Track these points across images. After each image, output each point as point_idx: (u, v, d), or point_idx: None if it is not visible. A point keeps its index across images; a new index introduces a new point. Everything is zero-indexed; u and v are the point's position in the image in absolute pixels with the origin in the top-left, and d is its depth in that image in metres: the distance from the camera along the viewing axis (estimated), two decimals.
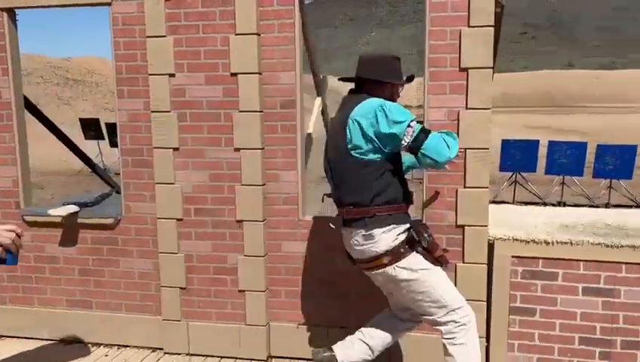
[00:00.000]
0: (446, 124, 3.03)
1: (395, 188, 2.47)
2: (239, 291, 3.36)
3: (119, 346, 3.59)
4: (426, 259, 2.49)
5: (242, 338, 3.39)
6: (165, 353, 3.50)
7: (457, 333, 2.53)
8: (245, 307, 3.35)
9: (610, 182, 8.51)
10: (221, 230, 3.33)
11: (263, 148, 3.23)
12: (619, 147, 8.17)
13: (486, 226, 3.08)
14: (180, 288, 3.42)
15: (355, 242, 2.50)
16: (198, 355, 3.45)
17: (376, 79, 2.52)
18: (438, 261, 2.51)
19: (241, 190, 3.26)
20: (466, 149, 3.03)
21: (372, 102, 2.41)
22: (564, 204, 8.38)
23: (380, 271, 2.51)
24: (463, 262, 3.11)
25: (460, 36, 2.96)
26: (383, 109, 2.35)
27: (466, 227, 3.09)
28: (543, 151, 8.75)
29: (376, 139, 2.37)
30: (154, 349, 3.54)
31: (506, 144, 8.72)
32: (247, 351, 3.39)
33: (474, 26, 2.93)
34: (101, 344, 3.62)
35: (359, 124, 2.38)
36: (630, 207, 7.53)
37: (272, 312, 3.38)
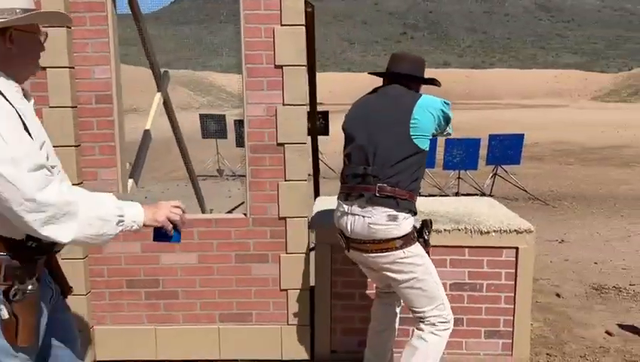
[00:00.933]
0: (265, 120, 3.11)
1: (420, 180, 2.63)
2: None
3: None
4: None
5: None
6: None
7: (438, 326, 2.59)
8: None
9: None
10: None
11: (78, 146, 3.11)
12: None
13: (306, 217, 3.20)
14: None
15: (376, 220, 2.48)
16: None
17: (420, 77, 2.71)
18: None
19: None
20: (284, 144, 3.13)
21: (435, 98, 2.62)
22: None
23: (388, 253, 2.51)
24: (286, 253, 3.21)
25: (273, 34, 3.04)
26: (447, 105, 2.63)
27: (287, 219, 3.18)
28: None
29: (435, 131, 2.62)
30: None
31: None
32: None
33: (286, 25, 3.02)
34: None
35: (431, 114, 2.56)
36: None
37: (95, 315, 3.27)
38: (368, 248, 2.55)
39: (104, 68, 3.09)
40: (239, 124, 11.70)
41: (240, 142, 11.85)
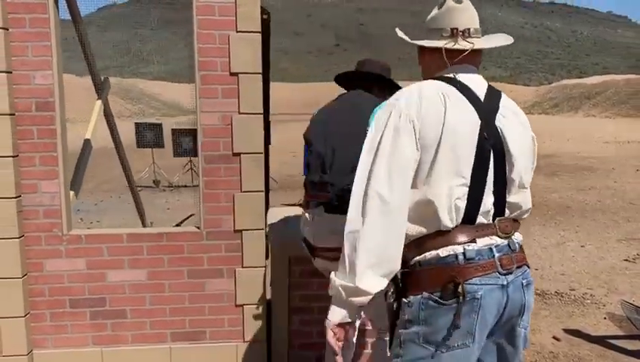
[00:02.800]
0: (220, 129, 3.00)
1: None
2: None
3: None
4: None
5: None
6: None
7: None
8: (1, 338, 2.95)
9: None
10: None
11: (16, 156, 2.88)
12: None
13: (263, 229, 3.10)
14: None
15: (336, 227, 2.34)
16: None
17: (389, 80, 2.64)
18: None
19: None
20: (241, 154, 3.03)
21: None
22: None
23: None
24: (243, 267, 3.10)
25: (228, 41, 2.94)
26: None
27: (244, 231, 3.08)
28: None
29: None
30: None
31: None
32: None
33: (242, 31, 2.94)
34: None
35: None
36: None
37: (35, 339, 3.03)
38: (331, 256, 2.47)
39: (45, 73, 2.88)
40: (178, 133, 11.41)
41: (178, 152, 11.55)
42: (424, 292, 1.55)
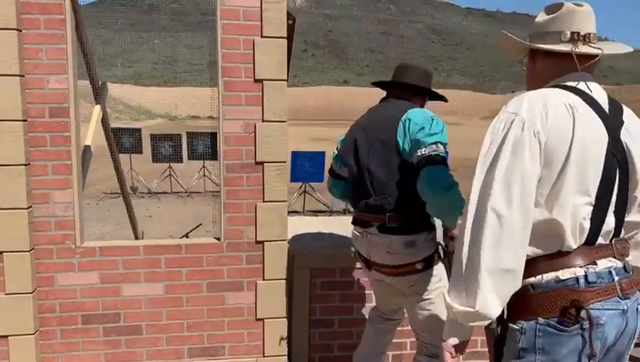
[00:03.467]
0: (242, 137, 2.90)
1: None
2: (0, 337, 2.78)
3: None
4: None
5: None
6: None
7: (439, 358, 2.45)
8: (9, 356, 2.78)
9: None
10: None
11: (28, 165, 2.72)
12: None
13: (286, 240, 3.01)
14: None
15: (392, 248, 2.33)
16: None
17: (425, 88, 2.53)
18: None
19: (0, 215, 2.70)
20: (264, 163, 2.93)
21: (422, 112, 2.38)
22: (349, 212, 8.92)
23: (408, 276, 2.38)
24: (264, 279, 3.00)
25: (253, 46, 2.85)
26: (433, 119, 2.32)
27: (265, 242, 2.98)
28: (328, 161, 9.21)
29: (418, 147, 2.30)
30: None
31: (296, 155, 9.00)
32: None
33: (267, 37, 2.85)
34: None
35: (414, 127, 2.30)
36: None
37: (45, 358, 2.86)
38: (388, 271, 2.43)
39: (60, 77, 2.73)
40: (157, 138, 11.18)
41: (157, 158, 11.30)
42: (539, 318, 1.45)
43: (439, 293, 2.41)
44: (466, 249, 1.45)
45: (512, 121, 1.46)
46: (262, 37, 2.85)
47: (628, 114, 1.59)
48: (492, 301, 1.41)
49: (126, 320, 2.93)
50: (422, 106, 2.53)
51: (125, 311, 2.92)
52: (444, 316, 2.46)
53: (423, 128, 2.28)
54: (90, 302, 2.88)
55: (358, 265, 3.00)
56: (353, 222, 2.54)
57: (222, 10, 2.81)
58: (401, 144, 2.32)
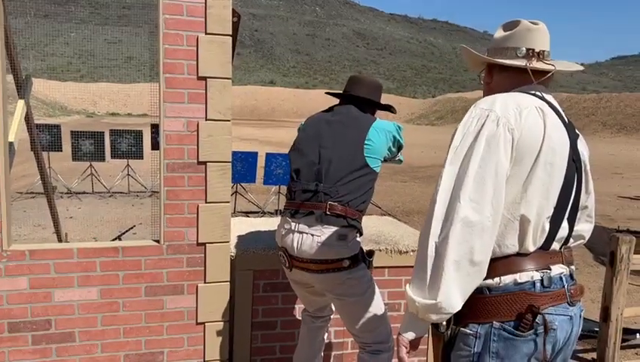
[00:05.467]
0: (184, 135, 2.82)
1: (369, 202, 2.54)
2: None
3: None
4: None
5: None
6: None
7: (379, 354, 2.53)
8: None
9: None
10: None
11: None
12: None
13: (228, 242, 2.96)
14: None
15: (325, 239, 2.38)
16: None
17: (377, 102, 2.68)
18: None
19: None
20: (207, 162, 2.86)
21: (389, 123, 2.62)
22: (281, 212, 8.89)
23: (335, 273, 2.42)
24: (205, 282, 2.93)
25: (197, 43, 2.77)
26: (400, 129, 2.63)
27: (207, 244, 2.91)
28: (260, 161, 9.15)
29: (387, 153, 2.59)
30: None
31: None
32: None
33: (212, 34, 2.78)
34: None
35: (385, 137, 2.54)
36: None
37: None
38: (315, 267, 2.44)
39: None
40: (77, 135, 10.66)
41: (77, 156, 10.78)
42: (494, 322, 1.46)
43: (372, 292, 2.52)
44: (432, 241, 1.43)
45: (487, 117, 1.47)
46: (206, 34, 2.78)
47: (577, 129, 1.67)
48: (455, 294, 1.40)
49: (57, 327, 2.77)
50: (372, 115, 2.68)
51: (57, 317, 2.76)
52: (380, 313, 2.53)
53: (395, 140, 2.62)
54: (18, 308, 2.70)
55: None
56: (286, 214, 2.54)
57: (164, 5, 2.72)
58: (369, 148, 2.48)
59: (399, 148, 2.68)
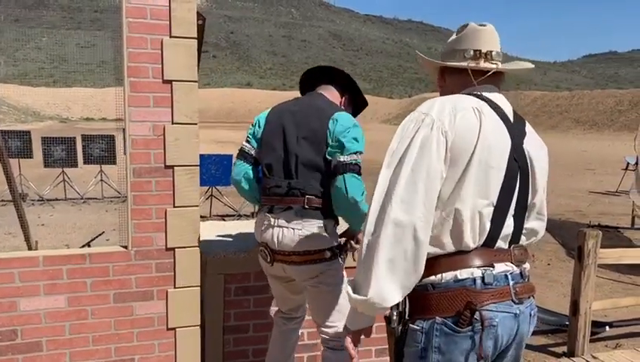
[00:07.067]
0: (151, 139, 2.79)
1: None
2: None
3: None
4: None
5: None
6: None
7: (344, 350, 2.49)
8: None
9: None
10: None
11: None
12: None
13: (197, 246, 2.93)
14: None
15: (307, 232, 2.41)
16: None
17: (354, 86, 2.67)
18: None
19: None
20: (174, 166, 2.84)
21: (349, 115, 2.53)
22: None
23: (315, 265, 2.44)
24: (175, 287, 2.90)
25: (162, 46, 2.75)
26: (356, 127, 2.47)
27: (176, 249, 2.89)
28: None
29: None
30: None
31: (202, 158, 8.80)
32: None
33: (176, 37, 2.76)
34: None
35: (343, 128, 2.43)
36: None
37: None
38: (297, 259, 2.45)
39: None
40: (49, 142, 10.50)
41: (49, 162, 10.62)
42: (437, 317, 1.49)
43: (343, 287, 2.55)
44: (367, 240, 1.47)
45: (422, 120, 1.51)
46: (171, 37, 2.76)
47: (529, 127, 1.70)
48: (388, 289, 1.43)
49: (24, 337, 2.72)
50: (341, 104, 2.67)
51: (23, 327, 2.71)
52: (345, 310, 2.55)
53: (348, 131, 2.42)
54: None
55: None
56: (263, 210, 2.53)
57: (127, 9, 2.69)
58: (328, 138, 2.44)
59: (356, 140, 2.49)
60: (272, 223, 2.47)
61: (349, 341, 1.58)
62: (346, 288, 1.53)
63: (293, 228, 2.42)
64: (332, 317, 2.56)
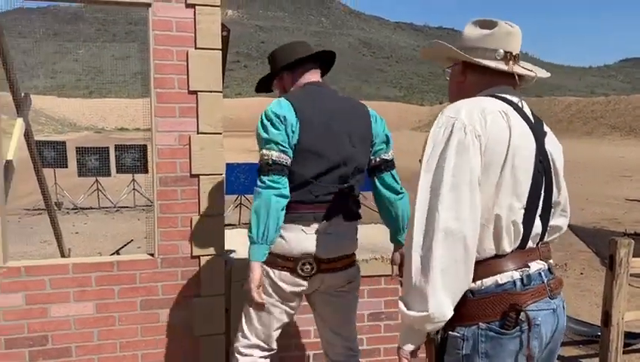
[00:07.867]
0: (177, 149, 2.84)
1: None
2: None
3: None
4: None
5: None
6: None
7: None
8: None
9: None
10: None
11: None
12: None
13: (222, 255, 2.97)
14: None
15: (348, 235, 2.40)
16: None
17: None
18: None
19: None
20: (199, 175, 2.89)
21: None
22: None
23: (352, 269, 2.45)
24: (200, 295, 2.93)
25: (187, 57, 2.81)
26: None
27: (201, 257, 2.92)
28: None
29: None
30: None
31: (231, 167, 8.89)
32: None
33: (201, 48, 2.82)
34: None
35: (381, 125, 2.45)
36: None
37: None
38: (340, 264, 2.36)
39: None
40: (82, 151, 10.76)
41: (83, 172, 10.88)
42: (480, 323, 1.48)
43: None
44: (416, 253, 1.44)
45: (453, 125, 1.47)
46: (196, 48, 2.81)
47: (546, 127, 1.69)
48: (445, 303, 1.42)
49: (54, 343, 2.79)
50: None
51: (53, 332, 2.78)
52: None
53: (384, 127, 2.48)
54: (15, 324, 2.72)
55: None
56: (307, 218, 2.29)
57: (154, 21, 2.76)
58: (373, 137, 2.42)
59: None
60: (320, 230, 2.29)
61: None
62: (400, 306, 1.49)
63: (338, 233, 2.32)
64: (355, 328, 2.52)
